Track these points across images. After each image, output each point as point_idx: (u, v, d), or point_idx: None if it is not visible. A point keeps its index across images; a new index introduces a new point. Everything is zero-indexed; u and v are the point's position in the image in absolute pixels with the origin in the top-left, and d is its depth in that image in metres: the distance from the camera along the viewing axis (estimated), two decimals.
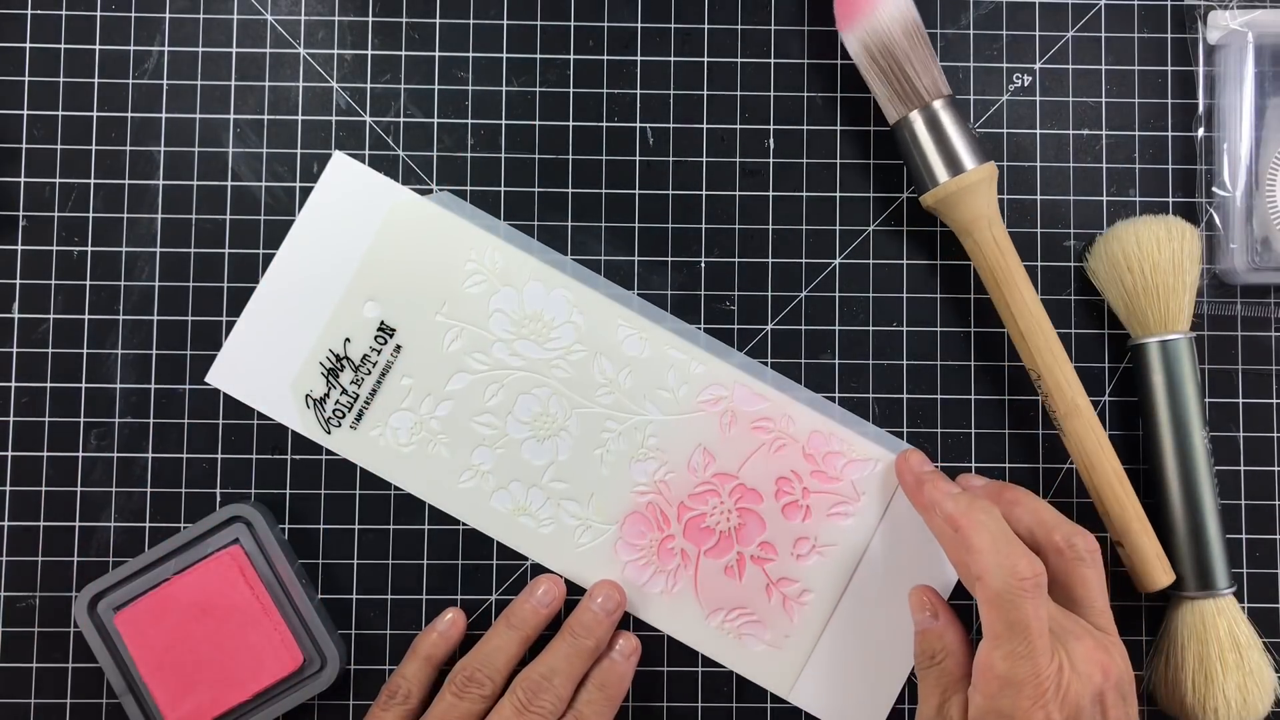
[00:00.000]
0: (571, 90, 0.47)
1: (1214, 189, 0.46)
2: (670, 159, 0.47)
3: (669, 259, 0.46)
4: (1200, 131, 0.46)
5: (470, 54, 0.47)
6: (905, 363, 0.46)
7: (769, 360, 0.46)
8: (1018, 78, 0.47)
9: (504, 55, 0.47)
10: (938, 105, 0.43)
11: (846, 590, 0.45)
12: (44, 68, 0.46)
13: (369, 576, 0.45)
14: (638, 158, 0.47)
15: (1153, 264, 0.43)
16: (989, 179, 0.43)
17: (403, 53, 0.47)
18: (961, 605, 0.45)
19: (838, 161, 0.47)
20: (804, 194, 0.47)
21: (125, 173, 0.46)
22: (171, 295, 0.46)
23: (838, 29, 0.45)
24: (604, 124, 0.47)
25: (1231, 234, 0.45)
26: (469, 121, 0.47)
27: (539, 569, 0.45)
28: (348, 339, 0.45)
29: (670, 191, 0.47)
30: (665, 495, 0.45)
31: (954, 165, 0.43)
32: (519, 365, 0.45)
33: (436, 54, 0.47)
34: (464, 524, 0.45)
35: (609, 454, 0.45)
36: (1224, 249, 0.45)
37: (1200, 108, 0.46)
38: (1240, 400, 0.46)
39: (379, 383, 0.45)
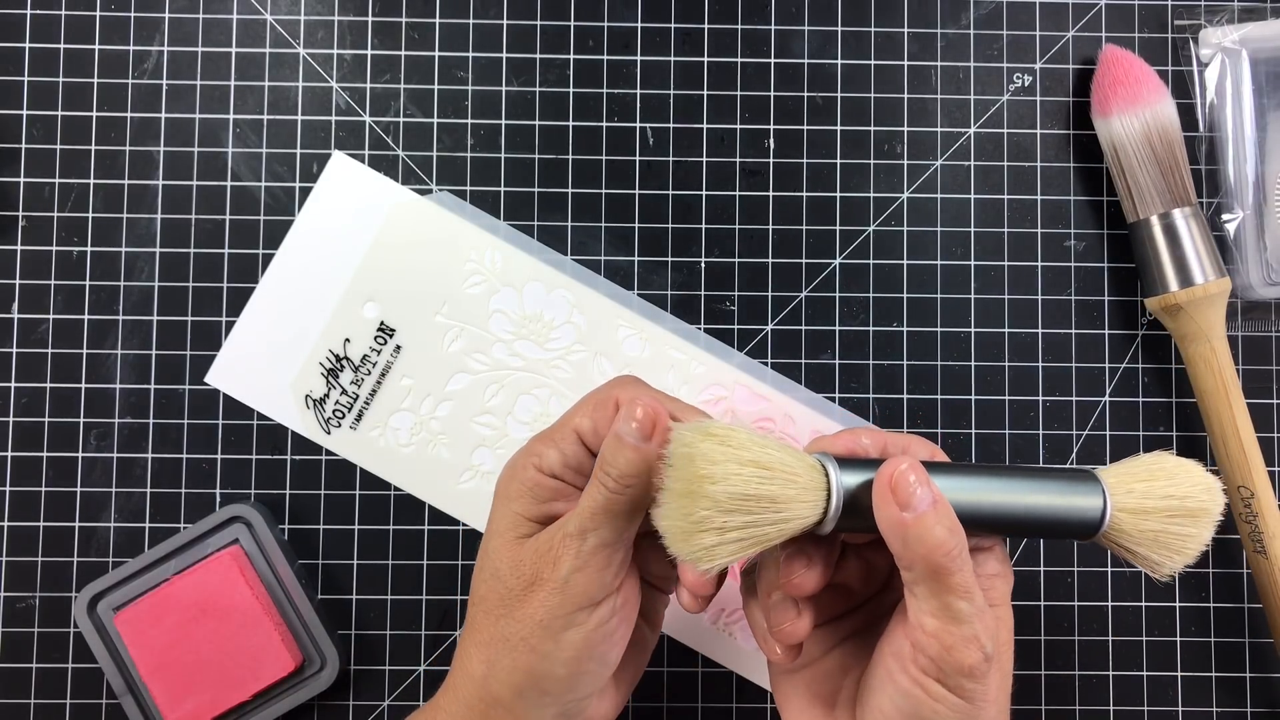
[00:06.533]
0: (571, 90, 0.47)
1: (1223, 214, 0.46)
2: (670, 159, 0.47)
3: (669, 259, 0.46)
4: (1204, 165, 0.46)
5: (470, 54, 0.47)
6: (905, 363, 0.46)
7: (769, 360, 0.46)
8: (1018, 78, 0.47)
9: (504, 55, 0.47)
10: (1192, 209, 0.44)
11: None
12: (44, 68, 0.46)
13: (369, 576, 0.45)
14: (638, 158, 0.47)
15: None
16: (1227, 290, 0.44)
17: (402, 53, 0.47)
18: None
19: (838, 161, 0.47)
20: (804, 194, 0.47)
21: (125, 173, 0.46)
22: (171, 295, 0.46)
23: (1109, 113, 0.44)
24: (604, 124, 0.47)
25: (1244, 252, 0.45)
26: (469, 121, 0.47)
27: None
28: (348, 339, 0.45)
29: (670, 191, 0.47)
30: None
31: (1203, 270, 0.43)
32: (519, 365, 0.45)
33: (436, 54, 0.47)
34: (464, 524, 0.45)
35: None
36: (1238, 267, 0.46)
37: (1204, 143, 0.46)
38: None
39: (379, 383, 0.45)
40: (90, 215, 0.46)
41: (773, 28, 0.47)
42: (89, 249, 0.46)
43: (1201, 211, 0.44)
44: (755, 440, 0.30)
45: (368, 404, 0.45)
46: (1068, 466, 0.33)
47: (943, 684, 0.30)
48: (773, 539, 0.30)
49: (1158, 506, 0.32)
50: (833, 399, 0.46)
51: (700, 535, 0.29)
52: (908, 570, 0.30)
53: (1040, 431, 0.46)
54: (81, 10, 0.46)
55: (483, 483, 0.45)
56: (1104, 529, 0.32)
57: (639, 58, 0.47)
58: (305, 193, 0.46)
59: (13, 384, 0.45)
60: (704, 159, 0.47)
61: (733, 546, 0.29)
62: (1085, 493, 0.32)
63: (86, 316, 0.46)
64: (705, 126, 0.47)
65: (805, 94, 0.47)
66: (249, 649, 0.43)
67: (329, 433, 0.45)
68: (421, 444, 0.45)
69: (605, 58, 0.47)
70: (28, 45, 0.46)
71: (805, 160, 0.47)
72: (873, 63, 0.47)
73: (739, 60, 0.47)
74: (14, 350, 0.45)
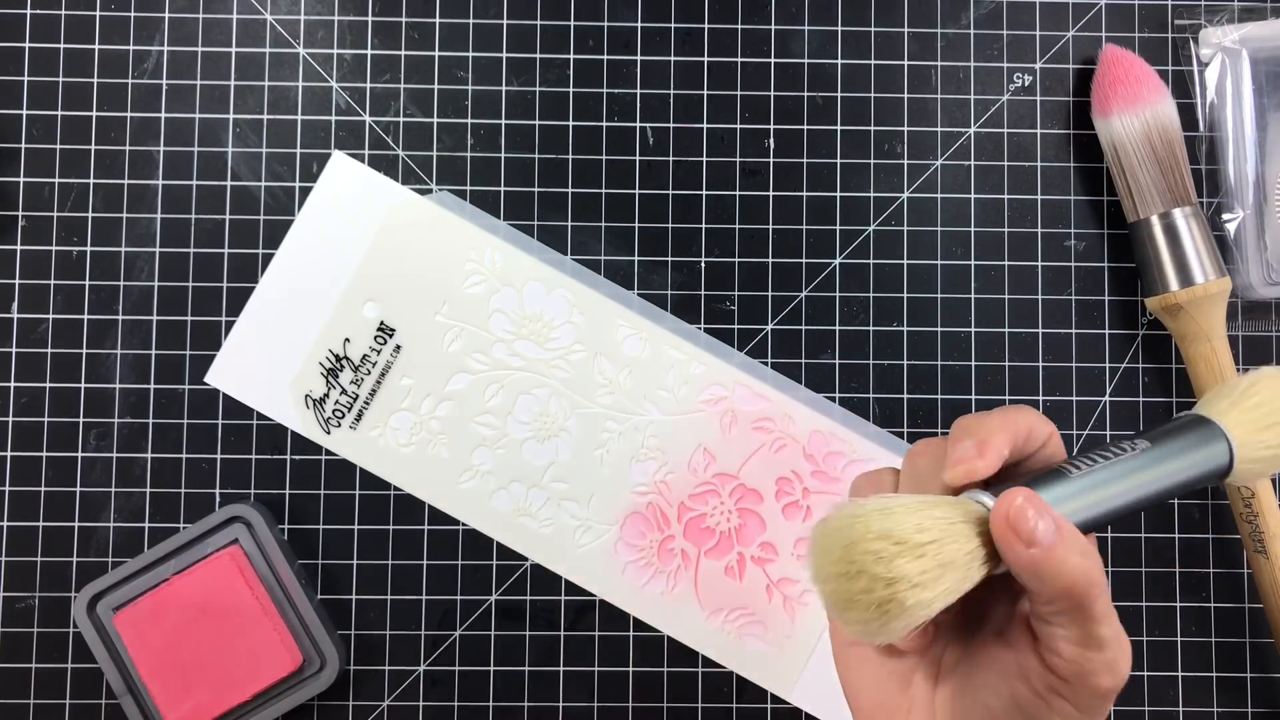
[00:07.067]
0: (571, 90, 0.47)
1: (1224, 214, 0.46)
2: (670, 159, 0.47)
3: (669, 259, 0.46)
4: (1204, 165, 0.46)
5: (470, 54, 0.47)
6: (905, 363, 0.46)
7: (769, 360, 0.46)
8: (1018, 78, 0.47)
9: (504, 55, 0.47)
10: (1192, 209, 0.44)
11: None
12: (43, 67, 0.46)
13: (369, 576, 0.45)
14: (638, 158, 0.47)
15: None
16: (1228, 289, 0.44)
17: (402, 52, 0.47)
18: None
19: (838, 161, 0.47)
20: (804, 194, 0.47)
21: (124, 172, 0.46)
22: (171, 295, 0.46)
23: (1109, 112, 0.44)
24: (604, 124, 0.47)
25: (1244, 252, 0.45)
26: (469, 121, 0.47)
27: (539, 569, 0.45)
28: (347, 339, 0.45)
29: (670, 191, 0.47)
30: (665, 495, 0.45)
31: (1203, 270, 0.43)
32: (519, 365, 0.45)
33: (436, 54, 0.47)
34: (464, 524, 0.45)
35: (609, 454, 0.45)
36: (1238, 267, 0.46)
37: (1204, 143, 0.46)
38: None
39: (379, 383, 0.45)
40: (90, 215, 0.46)
41: (773, 28, 0.47)
42: (89, 249, 0.46)
43: (1202, 211, 0.44)
44: (915, 511, 0.28)
45: (367, 404, 0.45)
46: (1181, 420, 0.32)
47: (1071, 702, 0.29)
48: (963, 593, 0.29)
49: (1274, 439, 0.32)
50: (833, 399, 0.46)
51: (897, 624, 0.28)
52: (1046, 605, 0.28)
53: None
54: (81, 10, 0.46)
55: (482, 483, 0.45)
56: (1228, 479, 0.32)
57: (639, 58, 0.47)
58: (305, 193, 0.46)
59: (12, 384, 0.45)
60: (704, 159, 0.47)
61: (926, 612, 0.28)
62: (1209, 457, 0.31)
63: (86, 316, 0.46)
64: (705, 126, 0.47)
65: (805, 94, 0.47)
66: (249, 649, 0.43)
67: (329, 433, 0.45)
68: (421, 444, 0.45)
69: (605, 58, 0.47)
70: (28, 45, 0.46)
71: (805, 160, 0.47)
72: (873, 63, 0.47)
73: (739, 60, 0.47)
74: (14, 350, 0.45)
